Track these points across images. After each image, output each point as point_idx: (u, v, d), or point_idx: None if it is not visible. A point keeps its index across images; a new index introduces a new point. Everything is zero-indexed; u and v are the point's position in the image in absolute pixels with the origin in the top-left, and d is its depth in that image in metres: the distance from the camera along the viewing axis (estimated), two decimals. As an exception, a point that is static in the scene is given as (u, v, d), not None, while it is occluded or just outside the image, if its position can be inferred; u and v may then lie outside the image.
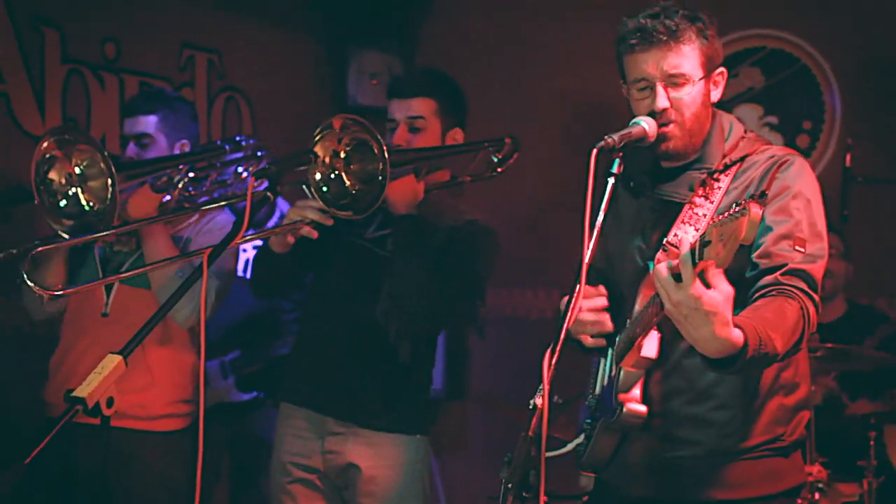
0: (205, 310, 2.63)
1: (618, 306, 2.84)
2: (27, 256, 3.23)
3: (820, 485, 3.88)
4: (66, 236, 3.33)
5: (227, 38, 5.53)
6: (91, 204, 3.37)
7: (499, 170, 3.54)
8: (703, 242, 2.19)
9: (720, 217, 2.17)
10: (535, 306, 6.20)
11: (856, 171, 4.39)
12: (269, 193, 2.81)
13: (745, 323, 2.34)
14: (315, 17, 6.08)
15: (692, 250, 2.22)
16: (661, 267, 2.29)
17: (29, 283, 3.19)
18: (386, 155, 3.03)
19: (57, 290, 3.32)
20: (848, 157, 4.41)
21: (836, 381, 4.53)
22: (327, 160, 3.12)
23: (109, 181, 3.28)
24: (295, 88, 5.85)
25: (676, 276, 2.25)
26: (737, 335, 2.30)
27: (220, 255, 2.64)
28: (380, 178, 3.05)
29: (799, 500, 3.73)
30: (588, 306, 2.76)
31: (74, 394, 2.25)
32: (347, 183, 3.18)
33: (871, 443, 4.11)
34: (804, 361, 2.79)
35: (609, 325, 2.76)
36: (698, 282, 2.22)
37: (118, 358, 2.32)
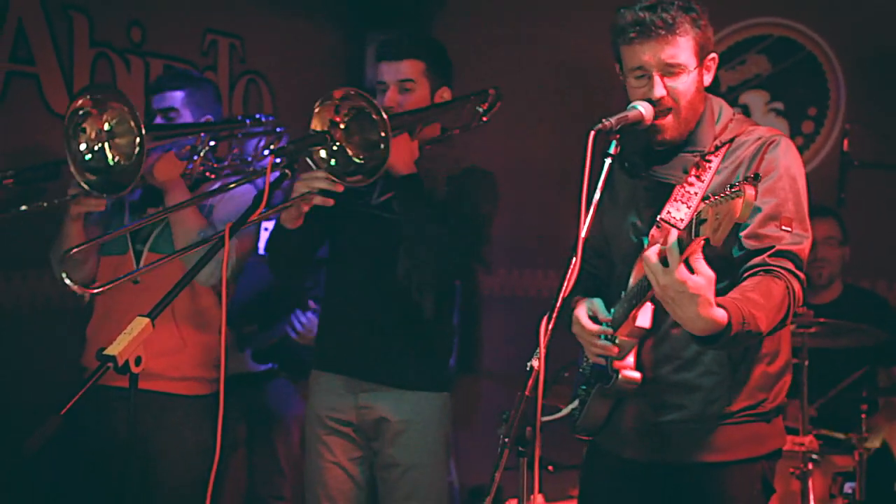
0: (226, 279, 2.78)
1: (613, 279, 3.01)
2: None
3: (814, 455, 4.00)
4: (87, 189, 3.50)
5: (249, 24, 5.64)
6: (117, 159, 3.53)
7: (484, 119, 3.74)
8: (699, 220, 2.35)
9: (716, 197, 2.32)
10: (545, 286, 6.34)
11: (853, 156, 4.50)
12: (287, 171, 2.95)
13: (730, 303, 2.51)
14: (335, 2, 6.23)
15: (679, 239, 2.39)
16: (650, 253, 2.47)
17: (68, 281, 3.35)
18: (387, 122, 3.17)
19: (95, 288, 3.47)
20: (846, 142, 4.52)
21: None
22: (328, 134, 3.25)
23: (137, 139, 3.43)
24: (315, 73, 5.97)
25: (664, 261, 2.43)
26: (720, 315, 2.47)
27: (240, 228, 2.79)
28: (382, 145, 3.19)
29: (791, 469, 3.94)
30: (592, 328, 2.93)
31: (106, 352, 2.41)
32: (351, 153, 3.30)
33: (863, 416, 4.23)
34: (786, 332, 2.94)
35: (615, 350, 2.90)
36: (683, 267, 2.40)
37: (146, 320, 2.48)
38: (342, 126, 3.29)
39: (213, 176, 3.96)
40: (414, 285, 3.56)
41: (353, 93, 3.24)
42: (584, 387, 3.06)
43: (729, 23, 5.84)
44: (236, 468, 4.91)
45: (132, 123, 3.44)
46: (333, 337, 3.78)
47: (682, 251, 2.39)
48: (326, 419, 3.76)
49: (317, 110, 3.26)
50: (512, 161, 5.95)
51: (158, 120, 4.01)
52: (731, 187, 2.29)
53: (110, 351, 2.42)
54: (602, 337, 2.91)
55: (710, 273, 2.44)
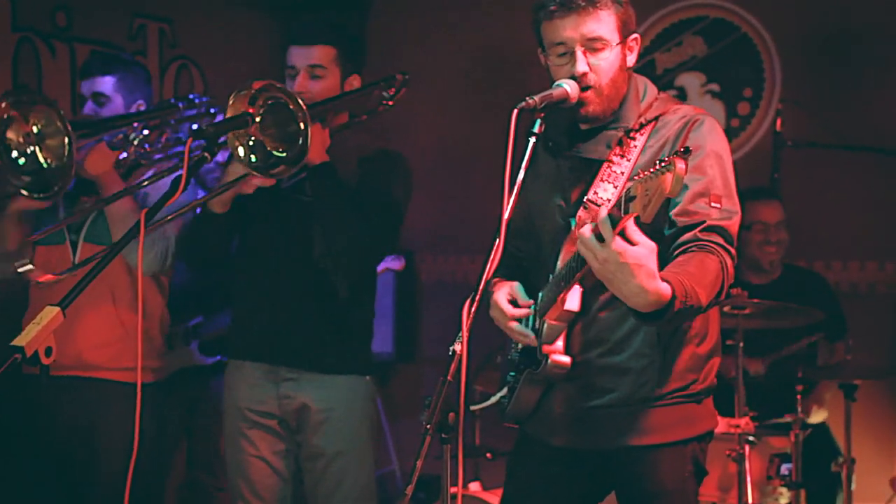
0: (142, 266, 2.71)
1: (539, 262, 2.97)
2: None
3: (750, 437, 3.99)
4: (24, 193, 3.47)
5: (179, 7, 5.56)
6: (49, 161, 3.45)
7: (390, 103, 3.64)
8: (628, 197, 2.30)
9: (645, 173, 2.27)
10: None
11: (786, 136, 4.49)
12: (206, 154, 2.86)
13: (671, 277, 2.46)
14: None
15: (610, 214, 2.34)
16: (585, 230, 2.41)
17: (29, 267, 3.45)
18: (307, 114, 3.10)
19: (51, 276, 3.41)
20: (778, 122, 4.53)
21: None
22: (250, 116, 3.17)
23: (66, 139, 3.36)
24: (248, 59, 5.87)
25: (598, 237, 2.37)
26: (664, 288, 2.42)
27: (157, 212, 2.71)
28: (300, 136, 3.12)
29: (727, 451, 3.93)
30: (513, 313, 2.89)
31: (13, 343, 2.33)
32: (270, 147, 3.23)
33: (798, 397, 4.23)
34: (714, 312, 2.92)
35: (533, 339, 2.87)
36: (619, 238, 2.34)
37: (56, 309, 2.38)
38: (257, 118, 3.20)
39: (145, 163, 3.88)
40: (330, 268, 3.52)
41: (272, 85, 3.17)
42: (512, 373, 3.00)
43: (664, 4, 5.84)
44: (178, 460, 4.87)
45: (59, 124, 3.38)
46: (250, 324, 3.70)
47: (614, 226, 2.33)
48: (247, 412, 3.68)
49: (231, 101, 3.18)
50: (437, 146, 5.95)
51: (89, 105, 3.95)
52: (659, 162, 2.25)
53: (18, 341, 2.33)
54: (521, 322, 2.86)
55: (651, 243, 2.38)
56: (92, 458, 3.85)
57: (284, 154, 3.21)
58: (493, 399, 3.08)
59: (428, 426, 2.34)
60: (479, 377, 4.50)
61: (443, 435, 2.35)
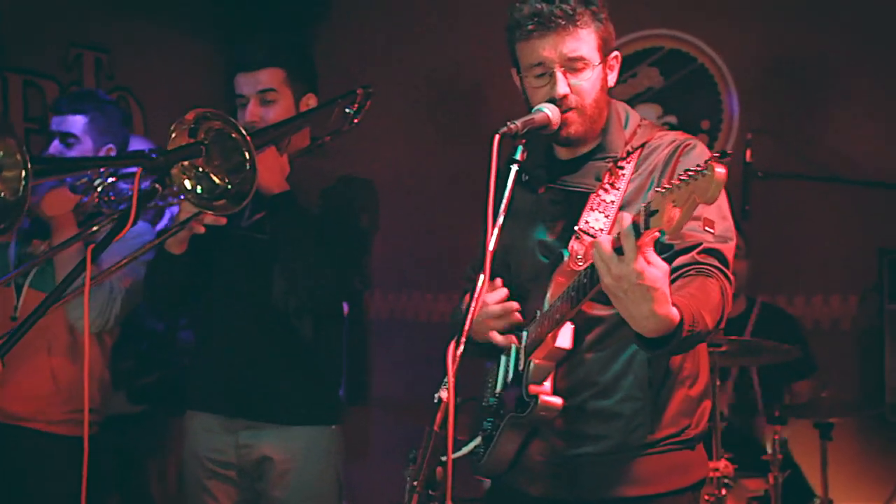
0: (88, 309, 2.50)
1: (515, 300, 2.76)
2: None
3: (726, 480, 3.83)
4: None
5: (116, 36, 5.42)
6: (2, 194, 3.23)
7: (355, 121, 3.45)
8: (650, 212, 2.13)
9: (671, 183, 2.10)
10: (435, 309, 6.13)
11: (756, 167, 4.38)
12: (157, 185, 2.66)
13: (679, 301, 2.30)
14: (205, 11, 5.99)
15: (635, 223, 2.16)
16: (604, 240, 2.23)
17: None
18: (249, 141, 2.88)
19: None
20: (748, 153, 4.41)
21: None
22: (203, 145, 2.94)
23: (23, 173, 3.14)
24: (188, 89, 5.72)
25: (618, 250, 2.20)
26: (674, 313, 2.26)
27: (104, 248, 2.50)
28: (247, 166, 2.90)
29: (706, 496, 3.75)
30: (493, 299, 2.69)
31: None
32: (217, 179, 3.00)
33: (776, 437, 4.09)
34: (704, 352, 2.77)
35: (518, 316, 2.69)
36: (642, 256, 2.17)
37: None
38: (202, 150, 2.97)
39: (107, 211, 3.65)
40: (291, 309, 3.33)
41: (208, 113, 2.93)
42: (490, 419, 2.79)
43: (619, 35, 5.66)
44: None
45: (19, 157, 3.15)
46: (206, 372, 3.49)
47: (637, 237, 2.15)
48: (206, 461, 3.47)
49: (172, 136, 2.94)
50: (388, 176, 5.77)
51: (55, 144, 3.82)
52: (691, 169, 2.07)
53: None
54: (502, 365, 2.67)
55: (665, 265, 2.23)
56: None
57: (231, 185, 2.98)
58: (467, 449, 2.84)
59: (415, 483, 2.12)
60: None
61: (430, 492, 2.12)
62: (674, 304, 2.26)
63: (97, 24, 5.32)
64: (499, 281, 2.74)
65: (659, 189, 2.13)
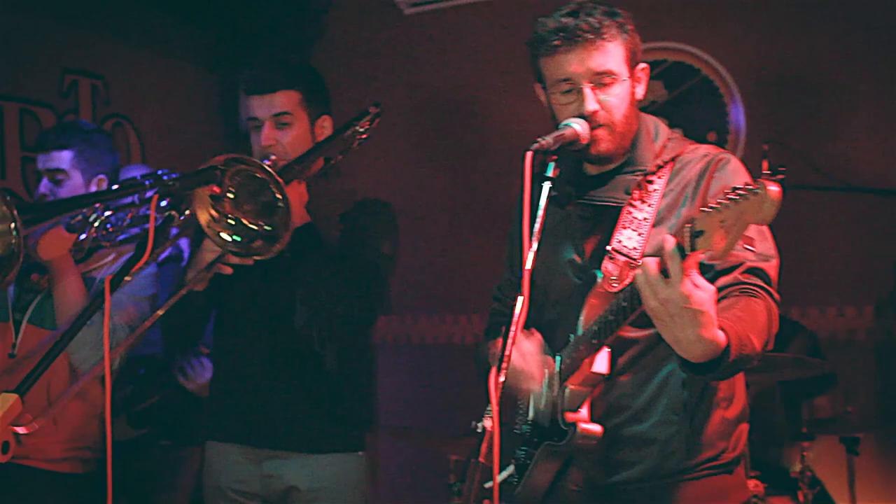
0: (108, 341, 2.37)
1: (542, 323, 2.68)
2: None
3: (754, 499, 3.74)
4: None
5: (111, 63, 5.34)
6: None
7: (363, 137, 3.33)
8: (695, 233, 2.04)
9: (719, 203, 2.01)
10: (440, 332, 6.04)
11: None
12: (173, 212, 2.57)
13: (725, 324, 2.21)
14: (202, 38, 5.92)
15: (679, 245, 2.08)
16: (650, 262, 2.15)
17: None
18: (282, 184, 2.74)
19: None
20: (765, 164, 4.32)
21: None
22: (216, 212, 2.82)
23: (13, 225, 3.04)
24: (186, 116, 5.69)
25: (663, 272, 2.12)
26: (721, 337, 2.18)
27: (122, 279, 2.39)
28: (280, 205, 2.77)
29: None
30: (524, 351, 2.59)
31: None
32: (250, 224, 2.88)
33: (805, 453, 3.99)
34: (740, 372, 2.65)
35: (538, 384, 2.60)
36: (688, 279, 2.09)
37: (13, 396, 2.08)
38: (229, 196, 2.85)
39: (107, 244, 3.58)
40: (315, 337, 3.22)
41: (237, 159, 2.79)
42: (524, 448, 2.69)
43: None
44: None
45: (5, 209, 3.04)
46: (227, 402, 3.38)
47: (683, 258, 2.07)
48: (229, 491, 3.36)
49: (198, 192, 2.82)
50: (386, 198, 5.72)
51: (44, 183, 3.69)
52: (739, 188, 1.97)
53: (-32, 436, 1.99)
54: (545, 386, 2.56)
55: (712, 287, 2.14)
56: None
57: (265, 228, 2.84)
58: (500, 478, 2.73)
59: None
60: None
61: (478, 528, 2.02)
62: (719, 328, 2.18)
63: (92, 51, 5.24)
64: (537, 334, 2.63)
65: (705, 209, 2.03)
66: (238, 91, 5.61)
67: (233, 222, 2.83)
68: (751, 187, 1.93)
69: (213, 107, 5.90)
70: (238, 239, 2.84)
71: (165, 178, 3.53)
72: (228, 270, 3.06)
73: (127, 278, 2.48)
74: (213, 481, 3.41)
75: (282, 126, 3.25)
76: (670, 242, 2.08)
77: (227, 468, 3.36)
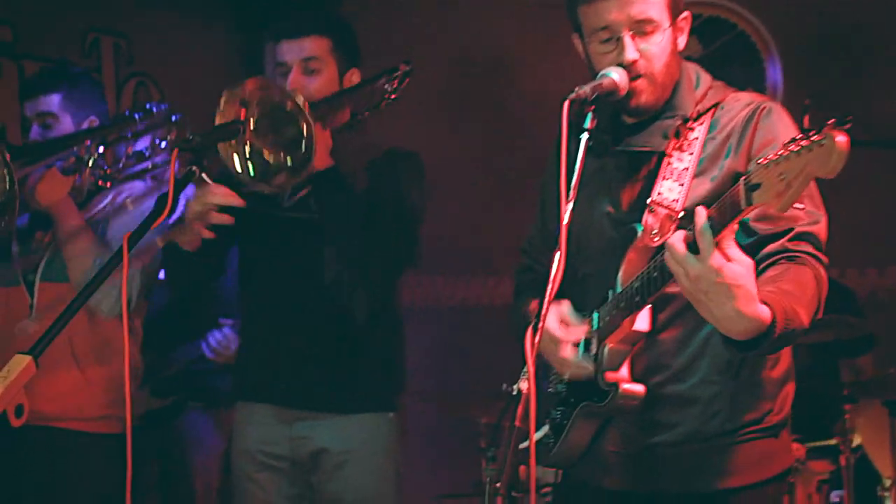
0: (128, 303, 2.32)
1: (577, 279, 2.59)
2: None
3: (796, 463, 3.66)
4: None
5: (135, 21, 5.31)
6: None
7: (392, 97, 3.30)
8: (751, 186, 1.95)
9: (776, 154, 1.91)
10: (471, 294, 5.98)
11: (814, 134, 4.19)
12: (194, 168, 2.51)
13: (769, 297, 2.13)
14: (229, 1, 5.91)
15: (710, 218, 2.01)
16: (676, 239, 2.09)
17: None
18: (307, 114, 2.73)
19: None
20: (806, 119, 4.20)
21: None
22: (241, 125, 2.81)
23: (6, 170, 3.05)
24: (208, 73, 5.56)
25: (692, 248, 2.05)
26: (764, 311, 2.10)
27: (141, 237, 2.33)
28: (303, 142, 2.75)
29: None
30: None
31: (-23, 403, 1.94)
32: (269, 155, 2.87)
33: (847, 416, 3.90)
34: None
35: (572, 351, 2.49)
36: (718, 253, 2.02)
37: (27, 358, 2.02)
38: (251, 125, 2.83)
39: (108, 184, 3.55)
40: (344, 289, 3.18)
41: (268, 84, 2.83)
42: (560, 408, 2.61)
43: (654, 4, 5.55)
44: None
45: None
46: (256, 362, 3.34)
47: (715, 233, 1.99)
48: (257, 454, 3.32)
49: (222, 105, 2.83)
50: (426, 154, 5.67)
51: (35, 129, 3.63)
52: (798, 140, 1.88)
53: (-17, 401, 1.93)
54: (581, 350, 2.47)
55: (749, 260, 2.06)
56: None
57: (285, 161, 2.82)
58: (536, 437, 2.64)
59: (497, 485, 1.93)
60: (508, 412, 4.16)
61: (513, 493, 1.94)
62: (764, 302, 2.09)
63: (115, 9, 5.22)
64: (567, 303, 2.53)
65: (761, 161, 1.94)
66: (263, 49, 5.60)
67: (248, 152, 2.83)
68: (816, 138, 1.82)
69: (237, 66, 5.84)
70: (251, 169, 2.84)
71: (154, 110, 3.51)
72: (209, 235, 3.02)
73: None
74: (241, 444, 3.38)
75: (310, 72, 3.20)
76: (701, 217, 2.02)
77: (257, 429, 3.33)
